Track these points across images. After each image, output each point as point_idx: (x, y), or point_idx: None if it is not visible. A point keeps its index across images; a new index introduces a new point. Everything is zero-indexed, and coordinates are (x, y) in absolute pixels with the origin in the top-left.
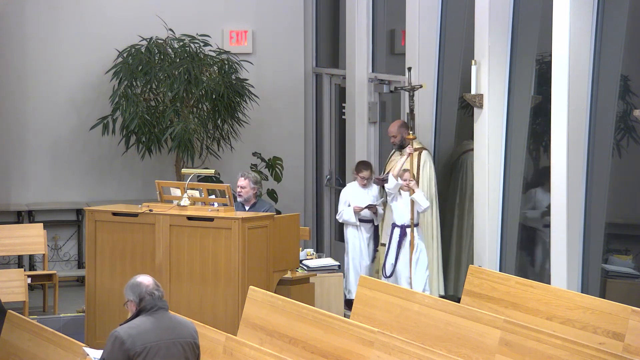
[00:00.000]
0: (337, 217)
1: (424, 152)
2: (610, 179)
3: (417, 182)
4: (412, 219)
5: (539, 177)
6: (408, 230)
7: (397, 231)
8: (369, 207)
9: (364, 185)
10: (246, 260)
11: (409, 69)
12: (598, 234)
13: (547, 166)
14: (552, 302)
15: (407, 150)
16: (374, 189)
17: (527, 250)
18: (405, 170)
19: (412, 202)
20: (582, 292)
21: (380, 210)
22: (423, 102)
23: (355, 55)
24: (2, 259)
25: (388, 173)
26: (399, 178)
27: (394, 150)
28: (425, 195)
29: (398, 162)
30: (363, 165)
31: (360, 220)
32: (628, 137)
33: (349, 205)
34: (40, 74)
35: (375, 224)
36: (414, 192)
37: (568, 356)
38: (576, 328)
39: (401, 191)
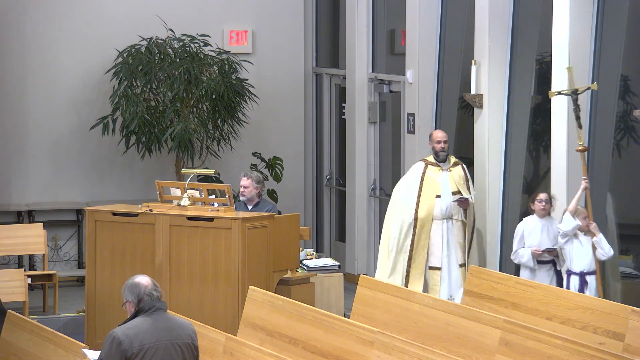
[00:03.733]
0: (511, 257)
1: (464, 165)
2: (610, 179)
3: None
4: (597, 263)
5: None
6: (589, 277)
7: (574, 280)
8: (549, 251)
9: (543, 212)
10: (246, 260)
11: (568, 68)
12: None
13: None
14: (552, 302)
15: (584, 184)
16: (554, 223)
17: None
18: (581, 208)
19: (593, 245)
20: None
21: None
22: (423, 102)
23: (355, 55)
24: (2, 259)
25: (463, 196)
26: (576, 217)
27: (422, 163)
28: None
29: (574, 200)
30: (540, 191)
31: (538, 262)
32: (628, 137)
33: (524, 245)
34: (40, 74)
35: (558, 268)
36: (595, 235)
37: (568, 356)
38: (576, 328)
39: (578, 232)
